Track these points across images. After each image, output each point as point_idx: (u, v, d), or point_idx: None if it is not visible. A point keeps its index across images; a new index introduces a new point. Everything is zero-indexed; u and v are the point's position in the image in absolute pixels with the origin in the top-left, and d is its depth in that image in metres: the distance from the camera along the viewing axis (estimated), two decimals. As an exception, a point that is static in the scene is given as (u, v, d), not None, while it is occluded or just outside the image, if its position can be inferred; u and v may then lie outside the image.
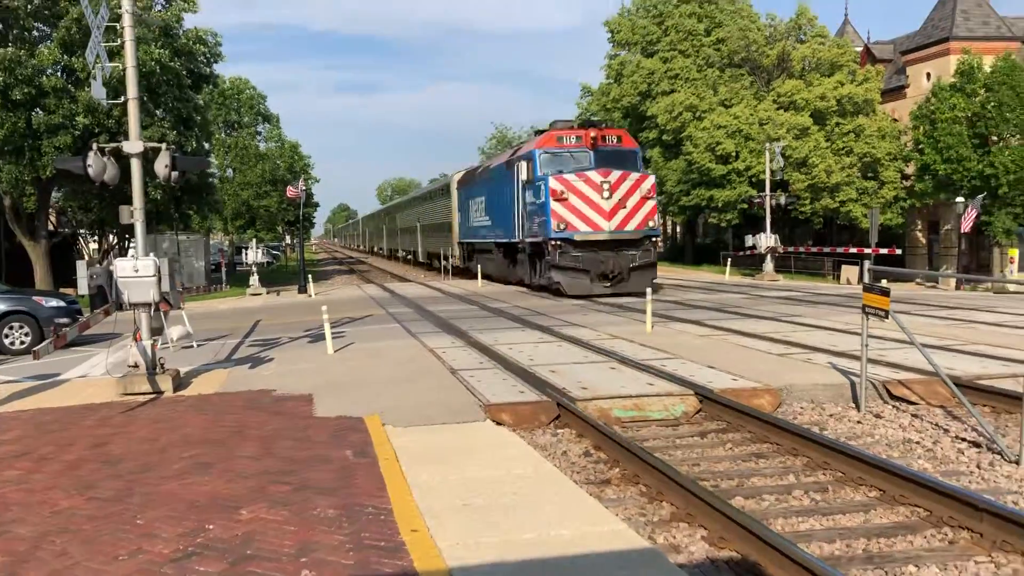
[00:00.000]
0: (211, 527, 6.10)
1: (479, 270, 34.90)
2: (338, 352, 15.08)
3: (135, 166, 12.04)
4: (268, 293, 34.85)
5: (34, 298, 19.24)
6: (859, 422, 9.73)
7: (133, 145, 11.97)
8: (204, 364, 14.47)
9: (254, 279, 35.54)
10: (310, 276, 35.94)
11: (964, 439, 8.84)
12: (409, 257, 61.25)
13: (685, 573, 5.17)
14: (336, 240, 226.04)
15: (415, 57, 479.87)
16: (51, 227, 38.25)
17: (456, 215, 40.58)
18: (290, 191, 37.47)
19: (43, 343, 12.37)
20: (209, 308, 29.08)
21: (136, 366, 11.78)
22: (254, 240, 44.45)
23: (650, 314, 16.73)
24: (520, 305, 23.57)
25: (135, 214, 11.99)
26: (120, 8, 12.19)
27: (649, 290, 17.07)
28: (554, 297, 25.71)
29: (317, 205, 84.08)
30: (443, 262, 42.94)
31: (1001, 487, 7.33)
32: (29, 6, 29.39)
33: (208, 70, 36.46)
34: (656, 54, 54.19)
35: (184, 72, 32.90)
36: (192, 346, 17.12)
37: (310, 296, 32.32)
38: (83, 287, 11.40)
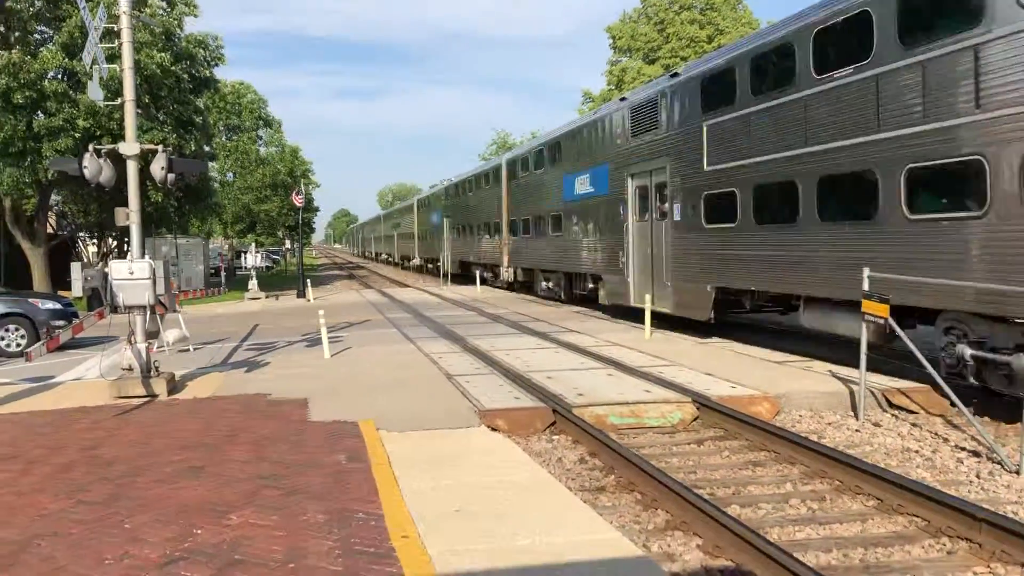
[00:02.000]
0: (199, 532, 6.02)
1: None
2: (335, 356, 15.00)
3: (131, 168, 11.97)
4: (267, 297, 34.76)
5: (31, 300, 19.16)
6: (857, 430, 9.65)
7: (129, 147, 11.91)
8: (200, 368, 14.39)
9: (253, 283, 35.48)
10: (309, 281, 35.87)
11: (964, 448, 8.76)
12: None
13: (679, 582, 5.08)
14: (339, 245, 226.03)
15: (414, 63, 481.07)
16: (51, 229, 38.16)
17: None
18: (296, 198, 37.52)
19: (36, 345, 12.30)
20: (207, 312, 29.00)
21: (130, 369, 11.71)
22: (254, 244, 44.41)
23: (649, 321, 16.65)
24: (519, 311, 23.49)
25: (131, 216, 11.92)
26: (118, 10, 12.14)
27: (649, 296, 16.97)
28: (554, 304, 25.64)
29: (317, 210, 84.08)
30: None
31: (1000, 497, 7.25)
32: (31, 9, 29.35)
33: (209, 74, 36.39)
34: (658, 60, 54.20)
35: (185, 76, 32.86)
36: (188, 350, 17.04)
37: (309, 301, 32.24)
38: (77, 289, 11.34)
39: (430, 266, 48.10)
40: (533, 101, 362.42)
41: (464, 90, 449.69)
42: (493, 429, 9.44)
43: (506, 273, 31.00)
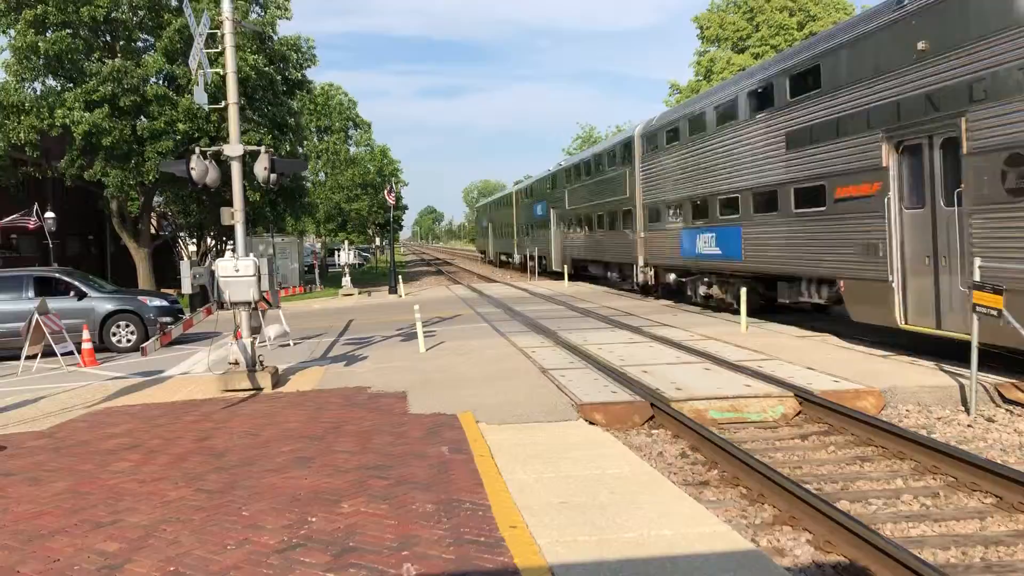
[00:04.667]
0: (313, 520, 6.21)
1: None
2: (430, 351, 15.22)
3: (235, 169, 12.39)
4: (359, 293, 35.47)
5: (139, 298, 19.99)
6: (969, 426, 9.32)
7: (233, 148, 12.32)
8: (301, 362, 14.79)
9: (346, 280, 36.29)
10: (400, 277, 36.45)
11: (1086, 445, 8.37)
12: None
13: (792, 577, 5.01)
14: (424, 241, 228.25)
15: (497, 60, 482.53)
16: (153, 230, 39.71)
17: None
18: (388, 196, 38.21)
19: (150, 340, 12.83)
20: (303, 308, 29.76)
21: (236, 363, 12.11)
22: (346, 242, 45.33)
23: (745, 314, 16.39)
24: (608, 305, 23.41)
25: (235, 215, 12.33)
26: (220, 16, 12.56)
27: (744, 290, 16.68)
28: (642, 297, 25.46)
29: (406, 208, 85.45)
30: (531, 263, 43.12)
31: None
32: (135, 18, 30.60)
33: (301, 76, 37.30)
34: (747, 50, 53.27)
35: (279, 78, 33.79)
36: (289, 344, 17.53)
37: (400, 296, 32.78)
38: (187, 287, 11.76)
39: (532, 263, 44.70)
40: (617, 95, 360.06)
41: (547, 86, 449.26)
42: (591, 423, 9.45)
43: (642, 274, 25.41)
